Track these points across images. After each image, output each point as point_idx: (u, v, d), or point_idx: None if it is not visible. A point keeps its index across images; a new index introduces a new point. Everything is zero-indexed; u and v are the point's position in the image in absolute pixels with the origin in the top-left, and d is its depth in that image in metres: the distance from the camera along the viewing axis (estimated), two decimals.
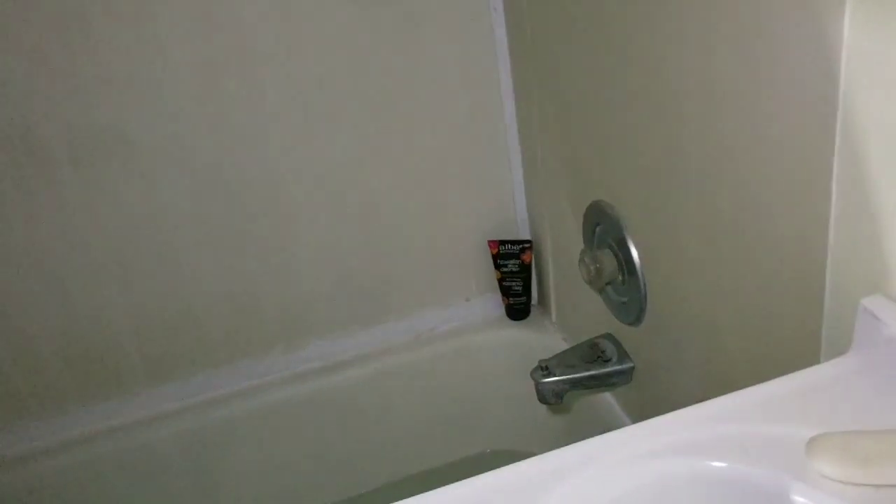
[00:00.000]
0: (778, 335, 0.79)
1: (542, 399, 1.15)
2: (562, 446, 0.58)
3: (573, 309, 1.38)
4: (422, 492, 0.56)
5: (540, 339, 1.44)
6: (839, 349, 0.68)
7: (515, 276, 1.44)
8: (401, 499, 0.54)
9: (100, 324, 1.30)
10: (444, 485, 0.56)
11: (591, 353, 1.16)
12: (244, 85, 1.23)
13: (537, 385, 1.14)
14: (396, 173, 1.36)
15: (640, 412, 1.20)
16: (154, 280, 1.30)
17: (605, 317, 1.18)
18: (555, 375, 1.13)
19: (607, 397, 1.28)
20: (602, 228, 1.11)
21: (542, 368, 1.14)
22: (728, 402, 0.61)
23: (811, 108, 0.65)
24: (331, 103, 1.28)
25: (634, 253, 1.03)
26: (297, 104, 1.26)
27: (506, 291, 1.46)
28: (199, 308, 1.34)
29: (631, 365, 1.13)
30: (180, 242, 1.29)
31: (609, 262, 1.07)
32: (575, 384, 1.14)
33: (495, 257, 1.44)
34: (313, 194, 1.32)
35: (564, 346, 1.37)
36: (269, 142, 1.27)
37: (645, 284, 1.02)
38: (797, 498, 0.52)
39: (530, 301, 1.48)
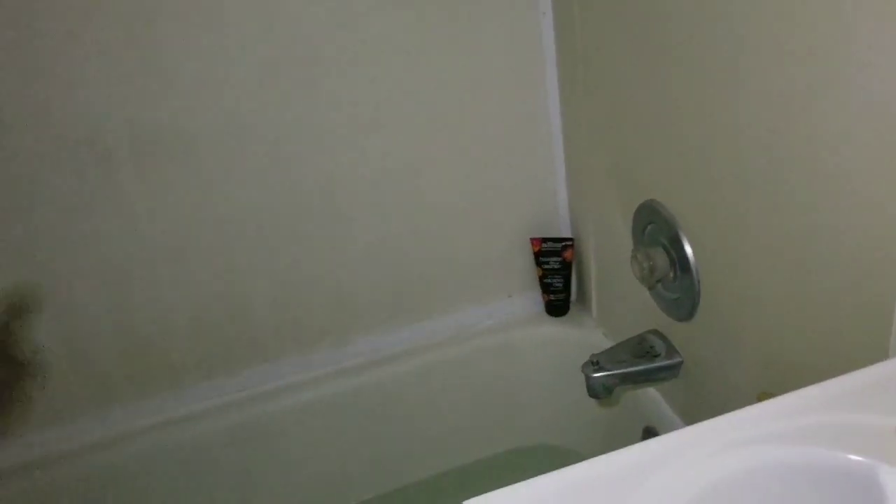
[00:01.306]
0: (843, 335, 0.81)
1: (593, 393, 1.18)
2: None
3: (614, 305, 1.40)
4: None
5: (580, 334, 1.47)
6: None
7: (557, 273, 1.47)
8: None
9: (154, 318, 1.33)
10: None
11: (640, 348, 1.19)
12: (301, 86, 1.26)
13: (588, 379, 1.17)
14: (442, 172, 1.39)
15: (685, 406, 1.23)
16: (208, 275, 1.33)
17: (647, 312, 1.21)
18: (605, 370, 1.16)
19: (651, 392, 1.31)
20: (653, 227, 1.13)
21: (592, 363, 1.17)
22: (806, 396, 0.63)
23: (891, 115, 0.67)
24: (383, 105, 1.31)
25: (689, 250, 1.05)
26: (351, 106, 1.29)
27: (546, 288, 1.49)
28: (250, 303, 1.37)
29: (680, 360, 1.16)
30: (234, 239, 1.32)
31: (662, 260, 1.10)
32: (624, 379, 1.17)
33: (537, 254, 1.47)
34: (363, 192, 1.36)
35: (604, 341, 1.40)
36: (323, 141, 1.30)
37: (699, 281, 1.05)
38: (888, 479, 0.55)
39: (570, 298, 1.51)
